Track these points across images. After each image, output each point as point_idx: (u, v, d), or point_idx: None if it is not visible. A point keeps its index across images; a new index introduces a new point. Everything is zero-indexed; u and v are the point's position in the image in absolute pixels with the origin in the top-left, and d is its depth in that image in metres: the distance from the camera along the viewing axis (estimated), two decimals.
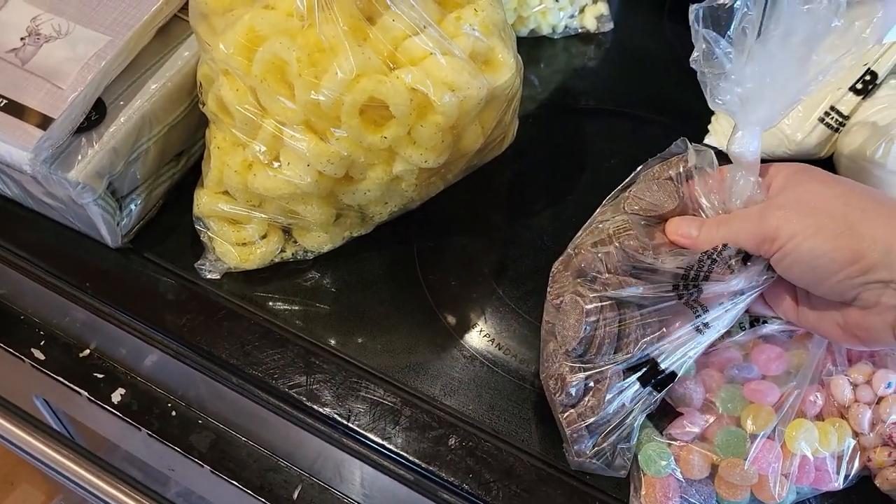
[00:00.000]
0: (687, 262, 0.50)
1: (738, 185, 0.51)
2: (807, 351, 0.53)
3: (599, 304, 0.51)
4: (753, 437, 0.51)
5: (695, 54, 0.51)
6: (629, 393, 0.52)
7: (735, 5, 0.49)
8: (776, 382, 0.53)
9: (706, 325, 0.51)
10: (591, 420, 0.52)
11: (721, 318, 0.51)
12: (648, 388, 0.52)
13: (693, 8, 0.50)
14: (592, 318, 0.51)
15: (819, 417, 0.53)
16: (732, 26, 0.50)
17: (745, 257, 0.50)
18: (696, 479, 0.52)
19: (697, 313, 0.51)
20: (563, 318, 0.53)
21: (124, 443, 0.84)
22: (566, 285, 0.54)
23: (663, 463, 0.52)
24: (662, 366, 0.52)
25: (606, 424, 0.53)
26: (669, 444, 0.53)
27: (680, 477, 0.52)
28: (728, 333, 0.54)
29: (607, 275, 0.51)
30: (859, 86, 0.66)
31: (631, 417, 0.53)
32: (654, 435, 0.53)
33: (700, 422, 0.53)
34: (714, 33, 0.50)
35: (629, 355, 0.51)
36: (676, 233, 0.52)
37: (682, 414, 0.54)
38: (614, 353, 0.51)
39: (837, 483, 0.52)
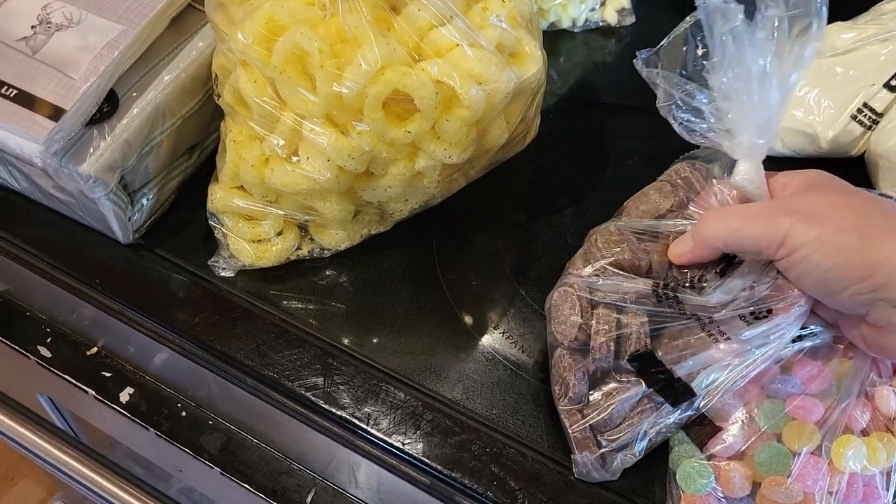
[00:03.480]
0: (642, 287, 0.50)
1: None
2: (851, 363, 0.51)
3: (588, 295, 0.50)
4: (796, 453, 0.50)
5: (659, 98, 0.51)
6: (636, 398, 0.51)
7: (685, 41, 0.50)
8: (819, 398, 0.51)
9: (722, 333, 0.49)
10: (595, 419, 0.51)
11: (739, 326, 0.49)
12: (660, 399, 0.51)
13: (639, 55, 0.51)
14: (585, 297, 0.50)
15: (865, 432, 0.51)
16: (688, 65, 0.50)
17: (723, 270, 0.50)
18: (736, 498, 0.50)
19: (707, 328, 0.50)
20: (557, 313, 0.52)
21: (131, 442, 0.83)
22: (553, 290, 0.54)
23: (703, 481, 0.50)
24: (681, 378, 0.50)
25: (614, 430, 0.51)
26: (709, 461, 0.51)
27: (720, 495, 0.50)
28: None
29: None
30: (894, 82, 0.64)
31: (640, 425, 0.51)
32: (693, 452, 0.51)
33: (740, 438, 0.51)
34: (668, 73, 0.50)
35: (628, 354, 0.50)
36: (676, 257, 0.52)
37: (720, 429, 0.52)
38: (615, 355, 0.50)
39: (887, 500, 0.50)
